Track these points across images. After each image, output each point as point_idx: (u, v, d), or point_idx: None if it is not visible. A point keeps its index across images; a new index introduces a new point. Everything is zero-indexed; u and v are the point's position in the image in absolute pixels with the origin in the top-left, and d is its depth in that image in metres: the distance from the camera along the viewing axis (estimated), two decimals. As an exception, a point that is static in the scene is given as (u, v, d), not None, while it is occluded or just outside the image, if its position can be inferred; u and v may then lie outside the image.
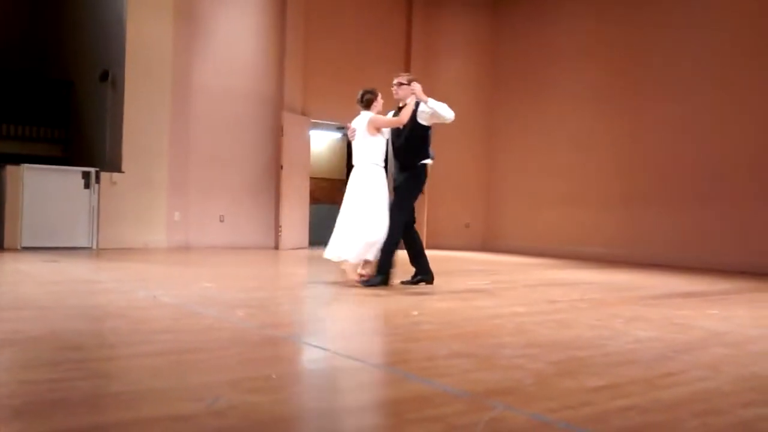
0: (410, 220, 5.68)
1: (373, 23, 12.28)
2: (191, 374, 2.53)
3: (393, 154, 5.72)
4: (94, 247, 9.41)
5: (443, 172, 12.38)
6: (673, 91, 9.75)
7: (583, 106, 11.03)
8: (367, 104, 5.69)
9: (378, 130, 5.57)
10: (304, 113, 11.49)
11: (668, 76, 9.81)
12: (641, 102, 10.16)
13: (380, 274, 5.47)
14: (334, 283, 5.74)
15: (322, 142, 14.77)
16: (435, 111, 5.50)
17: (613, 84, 10.57)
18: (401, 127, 5.54)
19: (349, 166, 15.41)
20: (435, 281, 5.59)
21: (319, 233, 13.03)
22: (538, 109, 11.65)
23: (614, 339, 3.50)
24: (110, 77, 10.22)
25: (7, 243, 8.82)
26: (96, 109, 10.75)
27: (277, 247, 10.99)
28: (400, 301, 4.78)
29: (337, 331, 3.86)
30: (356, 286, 5.42)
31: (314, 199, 13.05)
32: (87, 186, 9.44)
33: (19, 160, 9.38)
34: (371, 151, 5.58)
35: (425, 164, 5.61)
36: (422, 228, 11.79)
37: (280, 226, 10.97)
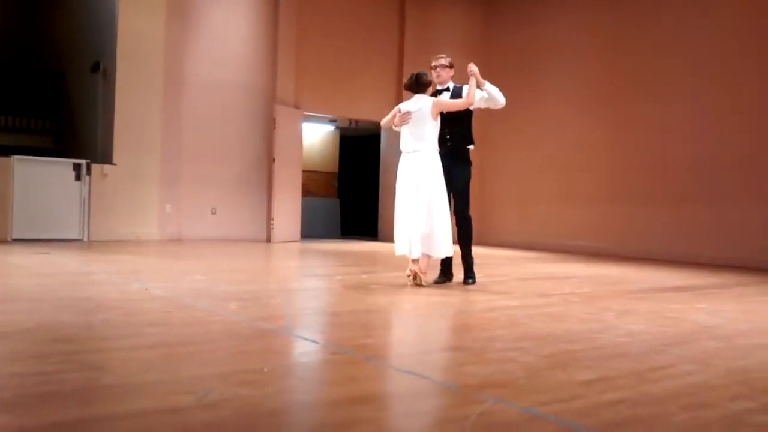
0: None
1: (366, 16, 12.24)
2: (183, 367, 2.53)
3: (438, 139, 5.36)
4: (86, 239, 9.37)
5: (436, 166, 12.38)
6: (662, 88, 9.77)
7: (575, 101, 11.04)
8: (424, 86, 5.34)
9: (439, 114, 5.26)
10: (296, 106, 11.46)
11: (659, 73, 9.83)
12: (632, 98, 10.18)
13: (471, 272, 5.49)
14: (402, 285, 5.21)
15: (314, 134, 14.75)
16: (492, 94, 5.35)
17: (605, 80, 10.59)
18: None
19: (343, 159, 15.52)
20: (427, 275, 5.59)
21: (311, 226, 13.08)
22: (531, 105, 11.65)
23: (605, 332, 3.52)
24: (102, 69, 10.16)
25: (-3, 235, 8.78)
26: (87, 101, 10.69)
27: (269, 240, 10.98)
28: (393, 295, 4.78)
29: (329, 324, 3.86)
30: (428, 285, 5.14)
31: (306, 192, 13.05)
32: (78, 178, 9.39)
33: (9, 151, 9.32)
34: (433, 135, 5.24)
35: (469, 149, 5.53)
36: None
37: (272, 219, 10.95)
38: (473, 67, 5.26)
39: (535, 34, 11.66)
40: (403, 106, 5.32)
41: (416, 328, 3.63)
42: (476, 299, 4.72)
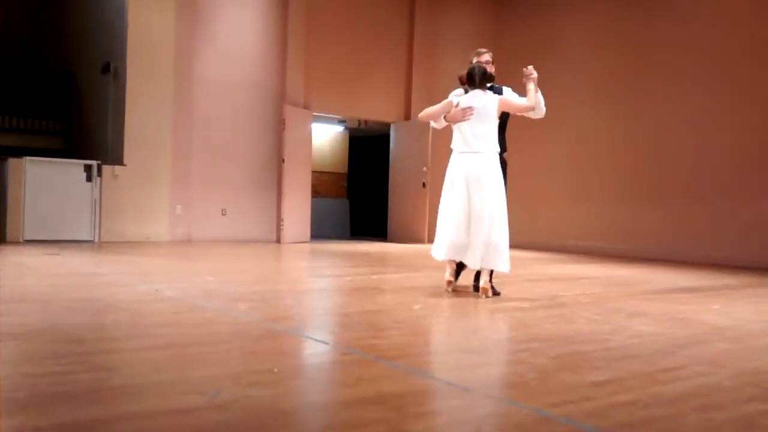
0: None
1: (375, 17, 12.25)
2: (193, 368, 2.54)
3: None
4: (96, 240, 9.42)
5: (445, 166, 12.36)
6: (673, 87, 9.72)
7: (583, 101, 11.00)
8: (489, 80, 4.84)
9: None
10: (305, 106, 11.48)
11: (668, 73, 9.78)
12: (642, 97, 10.13)
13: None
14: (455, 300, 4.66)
15: (323, 135, 14.77)
16: (539, 102, 4.99)
17: (614, 80, 10.54)
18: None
19: (352, 160, 15.53)
20: (437, 274, 5.58)
21: (321, 227, 13.09)
22: (541, 103, 11.62)
23: (616, 334, 3.50)
24: (112, 69, 10.20)
25: (9, 236, 8.83)
26: (98, 102, 10.74)
27: (278, 241, 11.00)
28: (403, 296, 4.78)
29: (339, 324, 3.86)
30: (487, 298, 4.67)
31: (316, 193, 13.06)
32: (89, 179, 9.44)
33: (21, 152, 9.38)
34: (495, 135, 4.77)
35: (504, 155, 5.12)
36: (424, 223, 11.80)
37: (282, 220, 10.97)
38: (533, 71, 4.89)
39: (544, 33, 11.63)
40: (463, 101, 4.78)
41: (426, 329, 3.62)
42: (486, 300, 4.71)
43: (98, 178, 9.49)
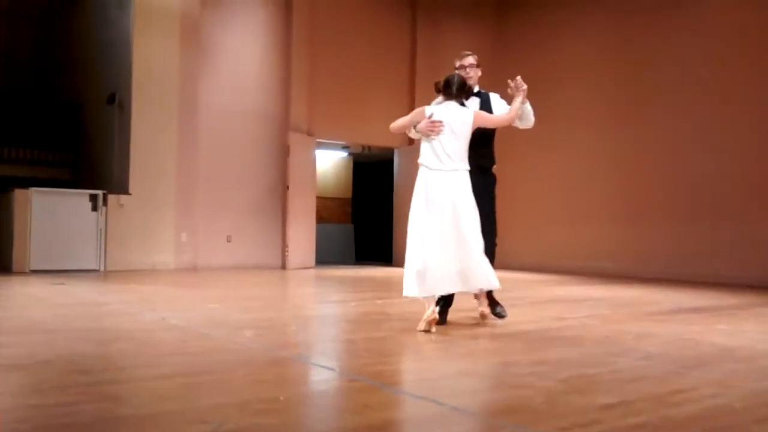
0: None
1: (377, 42, 12.36)
2: (199, 396, 2.53)
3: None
4: (102, 269, 9.43)
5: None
6: (677, 107, 9.75)
7: (587, 121, 11.04)
8: (465, 95, 4.49)
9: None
10: (309, 133, 11.54)
11: (672, 93, 9.82)
12: (646, 117, 10.16)
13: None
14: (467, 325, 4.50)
15: (327, 161, 14.83)
16: (526, 113, 4.77)
17: (617, 98, 10.58)
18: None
19: (356, 185, 15.58)
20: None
21: (326, 252, 13.08)
22: (543, 125, 11.53)
23: (624, 355, 3.47)
24: (117, 100, 10.30)
25: (15, 266, 8.85)
26: (104, 132, 10.82)
27: (284, 267, 10.99)
28: (407, 321, 4.76)
29: (345, 351, 3.85)
30: (486, 321, 4.54)
31: (320, 219, 13.08)
32: (94, 208, 9.48)
33: (27, 183, 9.43)
34: (466, 152, 4.36)
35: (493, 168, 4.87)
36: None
37: (287, 246, 10.97)
38: (522, 82, 4.61)
39: (546, 53, 11.71)
40: (437, 113, 4.34)
41: (432, 354, 3.60)
42: (491, 324, 4.69)
43: (104, 208, 9.53)
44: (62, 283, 7.31)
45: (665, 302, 6.51)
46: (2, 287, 6.97)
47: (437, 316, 4.20)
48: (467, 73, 4.69)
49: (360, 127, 12.07)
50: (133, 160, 9.89)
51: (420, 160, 4.41)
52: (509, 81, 4.61)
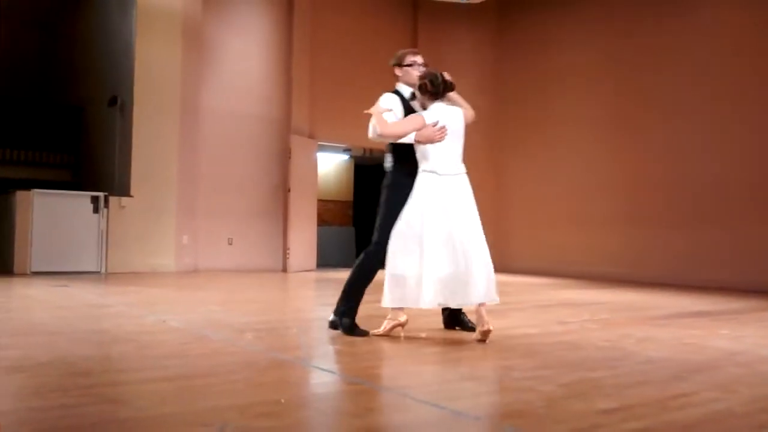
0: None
1: (378, 47, 12.37)
2: (199, 399, 2.53)
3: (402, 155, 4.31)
4: (103, 271, 9.44)
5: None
6: (677, 112, 9.75)
7: (587, 127, 11.04)
8: (450, 89, 4.27)
9: None
10: (311, 136, 11.55)
11: (672, 98, 9.82)
12: (646, 122, 10.17)
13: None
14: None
15: (328, 164, 14.84)
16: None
17: (618, 103, 10.59)
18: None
19: (357, 188, 15.57)
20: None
21: (327, 255, 13.07)
22: (544, 131, 11.68)
23: (625, 360, 3.47)
24: (119, 103, 10.32)
25: (17, 268, 8.85)
26: (105, 134, 10.84)
27: (285, 270, 10.99)
28: (409, 324, 4.75)
29: (346, 354, 3.84)
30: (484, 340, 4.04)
31: (322, 221, 13.08)
32: (96, 210, 9.49)
33: (29, 185, 9.44)
34: (462, 153, 4.23)
35: None
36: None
37: (288, 249, 10.97)
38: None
39: (547, 58, 11.72)
40: (436, 118, 4.10)
41: (433, 358, 3.60)
42: (493, 327, 4.67)
43: (105, 210, 9.54)
44: (64, 286, 7.31)
45: (667, 306, 6.50)
46: (3, 289, 6.98)
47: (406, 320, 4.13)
48: (416, 69, 4.43)
49: (361, 130, 11.98)
50: (135, 163, 9.91)
51: (426, 167, 4.12)
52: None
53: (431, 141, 4.07)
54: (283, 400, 2.53)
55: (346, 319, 4.26)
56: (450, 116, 4.17)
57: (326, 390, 2.86)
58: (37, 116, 12.07)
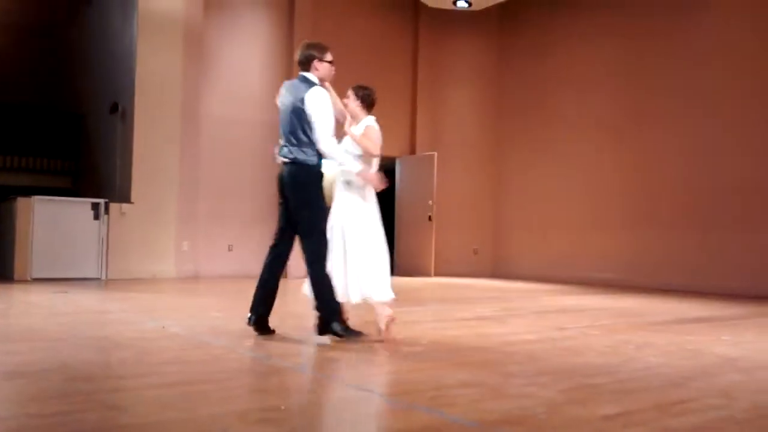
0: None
1: (379, 53, 12.41)
2: (200, 405, 2.53)
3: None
4: (103, 277, 9.43)
5: (451, 199, 12.41)
6: (678, 117, 9.76)
7: (588, 132, 11.05)
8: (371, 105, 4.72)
9: None
10: (311, 142, 11.56)
11: (674, 102, 9.83)
12: (647, 128, 10.18)
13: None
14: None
15: (329, 170, 14.84)
16: None
17: (619, 111, 10.60)
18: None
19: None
20: (442, 307, 5.51)
21: (327, 261, 13.07)
22: (545, 136, 11.69)
23: (625, 366, 3.47)
24: (120, 109, 10.34)
25: (17, 275, 8.85)
26: (106, 141, 10.86)
27: (285, 276, 10.96)
28: (408, 330, 4.76)
29: (345, 360, 3.84)
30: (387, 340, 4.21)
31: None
32: (96, 217, 9.49)
33: (29, 192, 9.45)
34: None
35: None
36: (430, 256, 11.78)
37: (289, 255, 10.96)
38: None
39: (548, 64, 11.74)
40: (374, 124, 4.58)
41: (432, 364, 3.60)
42: (492, 333, 4.69)
43: (105, 216, 9.55)
44: (64, 292, 7.31)
45: (667, 312, 6.50)
46: (3, 295, 6.98)
47: (388, 319, 4.28)
48: (334, 69, 4.74)
49: (362, 137, 12.09)
50: (135, 169, 9.92)
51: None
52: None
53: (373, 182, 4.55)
54: (283, 407, 2.53)
55: (336, 324, 4.25)
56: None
57: (326, 396, 2.86)
58: (38, 123, 12.09)
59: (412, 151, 12.56)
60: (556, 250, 11.44)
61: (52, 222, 9.12)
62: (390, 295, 4.30)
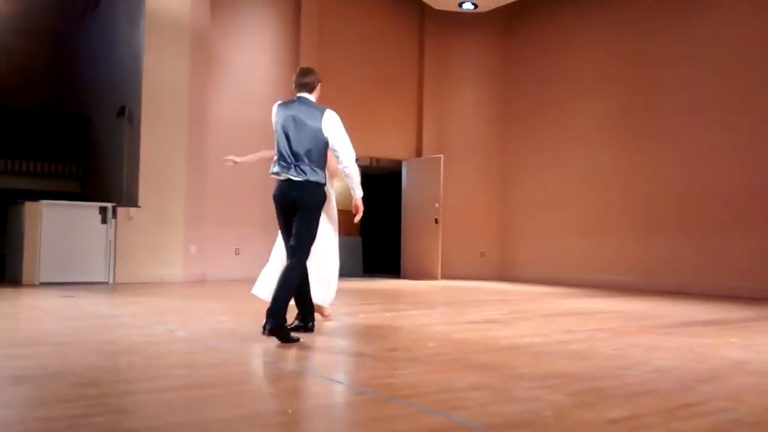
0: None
1: (385, 56, 12.43)
2: (208, 409, 2.53)
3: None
4: (111, 281, 9.46)
5: (458, 201, 12.40)
6: (684, 121, 9.73)
7: (595, 136, 11.03)
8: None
9: None
10: (317, 146, 11.57)
11: (680, 105, 9.80)
12: (653, 131, 10.15)
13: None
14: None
15: (336, 173, 14.86)
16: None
17: (625, 114, 10.57)
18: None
19: (364, 198, 15.54)
20: (450, 310, 5.53)
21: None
22: (551, 139, 11.67)
23: (633, 369, 3.45)
24: (127, 113, 10.38)
25: (25, 279, 8.89)
26: (113, 145, 10.90)
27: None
28: (416, 333, 4.75)
29: (353, 363, 3.84)
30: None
31: (329, 231, 13.04)
32: (104, 221, 9.53)
33: (37, 196, 9.50)
34: None
35: None
36: (437, 259, 11.77)
37: (295, 258, 10.97)
38: None
39: (555, 66, 11.73)
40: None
41: (440, 367, 3.59)
42: (500, 336, 4.67)
43: (113, 220, 9.58)
44: (72, 296, 7.34)
45: (675, 315, 6.47)
46: (12, 299, 7.01)
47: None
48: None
49: (368, 140, 12.09)
50: (143, 173, 9.95)
51: (328, 180, 4.93)
52: None
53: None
54: (290, 410, 2.53)
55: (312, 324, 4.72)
56: None
57: (334, 400, 2.86)
58: (46, 127, 12.16)
59: (419, 154, 12.56)
60: (564, 253, 11.40)
61: (59, 226, 9.16)
62: (329, 301, 5.27)
